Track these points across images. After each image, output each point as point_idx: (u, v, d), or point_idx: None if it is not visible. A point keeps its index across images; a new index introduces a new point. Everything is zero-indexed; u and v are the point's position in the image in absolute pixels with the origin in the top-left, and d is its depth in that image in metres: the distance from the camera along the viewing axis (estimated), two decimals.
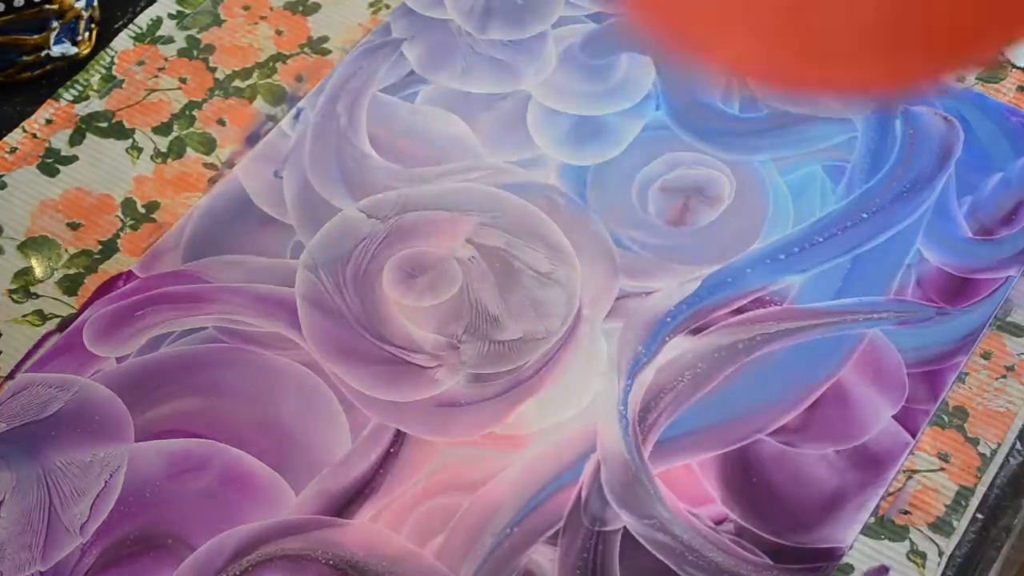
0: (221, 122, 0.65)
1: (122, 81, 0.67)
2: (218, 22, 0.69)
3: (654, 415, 0.56)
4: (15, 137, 0.65)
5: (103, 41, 0.68)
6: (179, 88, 0.67)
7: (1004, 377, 0.58)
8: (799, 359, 0.57)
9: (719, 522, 0.53)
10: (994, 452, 0.56)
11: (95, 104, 0.66)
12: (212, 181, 0.63)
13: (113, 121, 0.65)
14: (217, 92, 0.66)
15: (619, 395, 0.56)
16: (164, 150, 0.64)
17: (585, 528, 0.53)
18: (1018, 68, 0.68)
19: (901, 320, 0.59)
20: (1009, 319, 0.59)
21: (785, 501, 0.54)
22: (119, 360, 0.57)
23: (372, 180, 0.63)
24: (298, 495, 0.54)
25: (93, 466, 0.54)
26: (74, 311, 0.59)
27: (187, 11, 0.70)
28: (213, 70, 0.67)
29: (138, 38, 0.69)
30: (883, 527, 0.54)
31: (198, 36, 0.69)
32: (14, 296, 0.59)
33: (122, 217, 0.62)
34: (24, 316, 0.59)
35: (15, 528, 0.52)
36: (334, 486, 0.54)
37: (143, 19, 0.69)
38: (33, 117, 0.65)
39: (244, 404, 0.56)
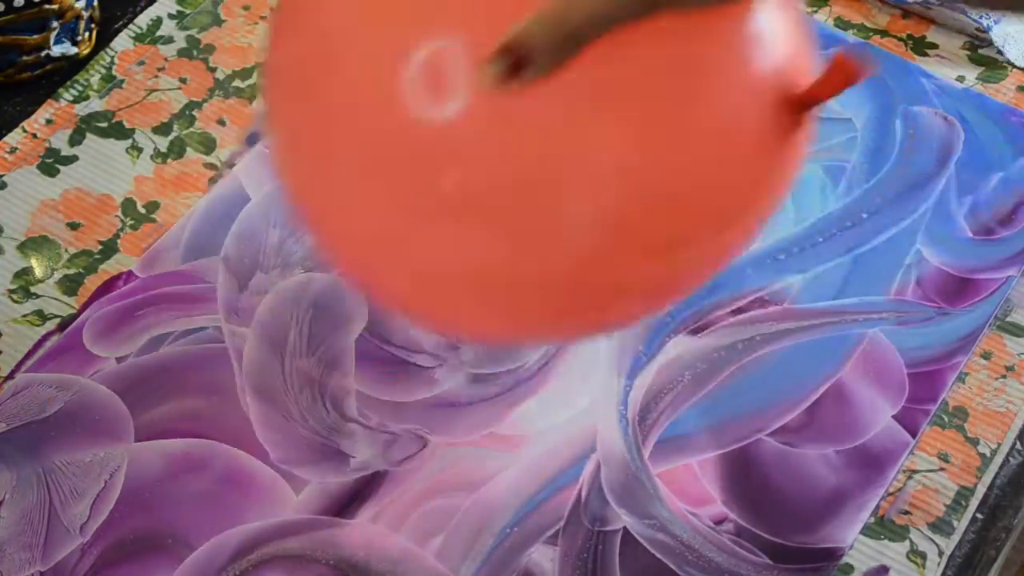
0: (221, 122, 0.65)
1: (122, 81, 0.67)
2: (218, 22, 0.69)
3: (654, 415, 0.56)
4: (15, 137, 0.65)
5: (103, 41, 0.68)
6: (179, 88, 0.67)
7: (1004, 377, 0.58)
8: (799, 359, 0.57)
9: (719, 522, 0.53)
10: (994, 452, 0.56)
11: (95, 104, 0.66)
12: (212, 181, 0.63)
13: (113, 121, 0.65)
14: (217, 92, 0.66)
15: (619, 395, 0.56)
16: (164, 150, 0.64)
17: (585, 528, 0.53)
18: (1018, 68, 0.68)
19: (901, 320, 0.59)
20: (1009, 319, 0.59)
21: (785, 501, 0.54)
22: (119, 360, 0.57)
23: None
24: (298, 495, 0.54)
25: (93, 466, 0.54)
26: (74, 311, 0.59)
27: (187, 11, 0.70)
28: (213, 70, 0.67)
29: (138, 38, 0.69)
30: (883, 527, 0.54)
31: (198, 36, 0.68)
32: (14, 296, 0.59)
33: (122, 217, 0.62)
34: (24, 316, 0.59)
35: (15, 528, 0.52)
36: (334, 486, 0.54)
37: (143, 19, 0.69)
38: (33, 117, 0.65)
39: (244, 404, 0.56)
